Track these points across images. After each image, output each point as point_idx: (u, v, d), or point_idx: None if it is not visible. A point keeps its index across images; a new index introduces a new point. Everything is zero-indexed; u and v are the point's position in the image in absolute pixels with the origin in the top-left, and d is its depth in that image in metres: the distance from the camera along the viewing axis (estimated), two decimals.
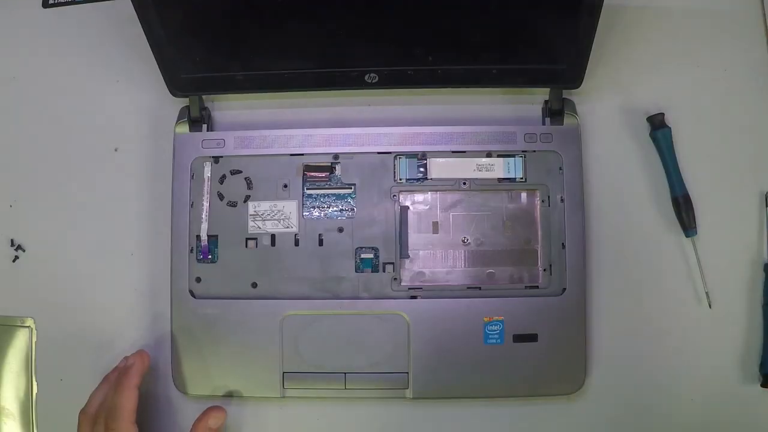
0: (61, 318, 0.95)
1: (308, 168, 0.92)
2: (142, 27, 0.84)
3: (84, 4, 1.02)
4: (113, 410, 0.82)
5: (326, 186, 0.91)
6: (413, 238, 0.90)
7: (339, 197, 0.91)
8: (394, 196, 0.91)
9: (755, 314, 0.90)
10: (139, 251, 0.94)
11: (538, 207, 0.90)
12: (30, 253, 0.97)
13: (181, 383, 0.89)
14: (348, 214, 0.91)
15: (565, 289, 0.88)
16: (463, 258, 0.90)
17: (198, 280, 0.90)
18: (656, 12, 0.96)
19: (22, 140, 0.99)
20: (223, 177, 0.91)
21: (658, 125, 0.92)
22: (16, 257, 0.96)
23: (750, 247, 0.91)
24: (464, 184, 0.90)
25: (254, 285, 0.90)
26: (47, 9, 1.02)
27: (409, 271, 0.90)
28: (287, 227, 0.90)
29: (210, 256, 0.90)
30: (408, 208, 0.91)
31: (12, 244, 0.97)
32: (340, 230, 0.91)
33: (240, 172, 0.91)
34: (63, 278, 0.96)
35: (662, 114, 0.92)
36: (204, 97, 0.94)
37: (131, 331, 0.93)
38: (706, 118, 0.94)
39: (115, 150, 0.97)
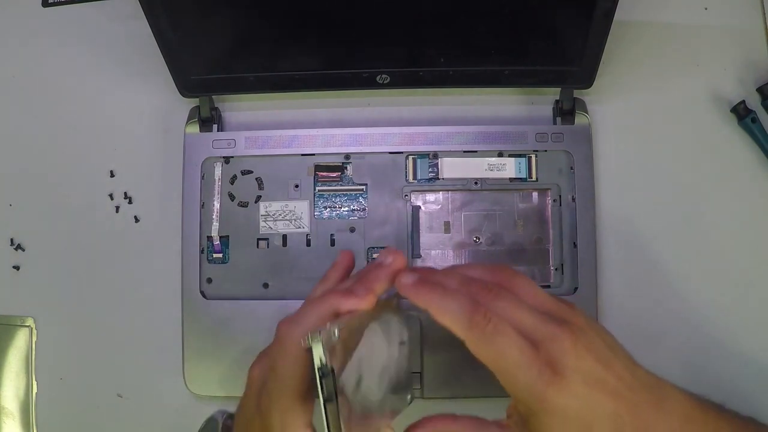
0: (61, 318, 0.94)
1: (319, 168, 0.91)
2: (152, 29, 0.83)
3: (84, 4, 1.01)
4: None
5: (338, 186, 0.91)
6: (425, 237, 0.90)
7: (350, 197, 0.91)
8: (406, 195, 0.91)
9: None
10: (145, 251, 0.94)
11: (550, 206, 0.90)
12: (30, 253, 0.96)
13: (193, 384, 0.89)
14: (360, 214, 0.91)
15: (576, 288, 0.89)
16: (474, 257, 0.91)
17: (209, 281, 0.90)
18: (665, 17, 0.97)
19: (22, 140, 0.98)
20: (234, 177, 0.91)
21: (743, 114, 0.93)
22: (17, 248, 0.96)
23: None
24: (476, 183, 0.90)
25: (266, 285, 0.89)
26: (47, 8, 1.01)
27: None
28: (299, 227, 0.90)
29: (221, 257, 0.90)
30: (420, 207, 0.91)
31: (12, 244, 0.96)
32: (352, 230, 0.91)
33: (251, 172, 0.91)
34: (63, 278, 0.95)
35: (743, 101, 0.93)
36: (214, 97, 0.93)
37: (134, 331, 0.93)
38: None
39: (114, 150, 0.97)
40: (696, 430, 0.66)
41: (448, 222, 0.91)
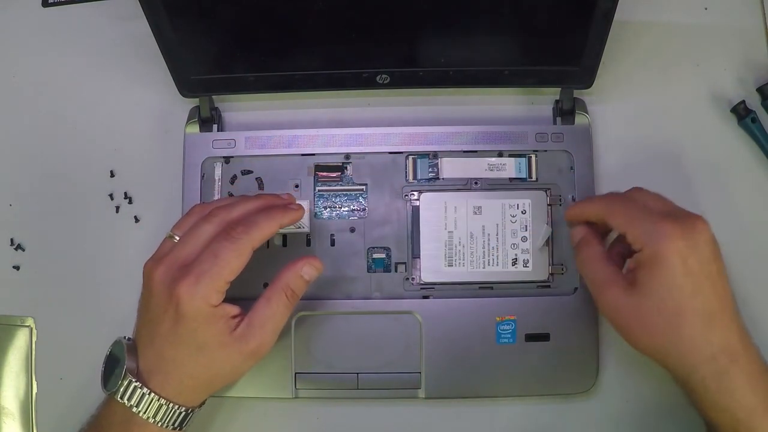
0: (61, 318, 0.94)
1: (319, 168, 0.92)
2: (152, 30, 0.83)
3: (84, 4, 1.01)
4: (249, 221, 0.79)
5: (338, 186, 0.91)
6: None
7: (350, 197, 0.91)
8: (406, 195, 0.91)
9: None
10: (145, 251, 0.93)
11: (554, 206, 0.90)
12: (30, 253, 0.96)
13: None
14: (360, 214, 0.91)
15: (576, 288, 0.89)
16: None
17: None
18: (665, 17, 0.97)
19: (22, 140, 0.98)
20: (234, 177, 0.91)
21: (743, 114, 0.93)
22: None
23: None
24: (476, 183, 0.90)
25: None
26: (47, 8, 1.01)
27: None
28: (299, 227, 0.89)
29: None
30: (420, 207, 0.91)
31: (12, 244, 0.96)
32: (352, 230, 0.91)
33: (251, 172, 0.91)
34: (63, 278, 0.95)
35: (743, 101, 0.93)
36: (214, 97, 0.93)
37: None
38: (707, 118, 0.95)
39: (114, 150, 0.97)
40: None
41: None
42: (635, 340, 0.77)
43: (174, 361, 0.77)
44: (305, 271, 0.81)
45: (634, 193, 0.81)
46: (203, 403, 0.82)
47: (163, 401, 0.76)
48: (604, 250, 0.82)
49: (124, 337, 0.81)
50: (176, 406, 0.77)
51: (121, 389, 0.76)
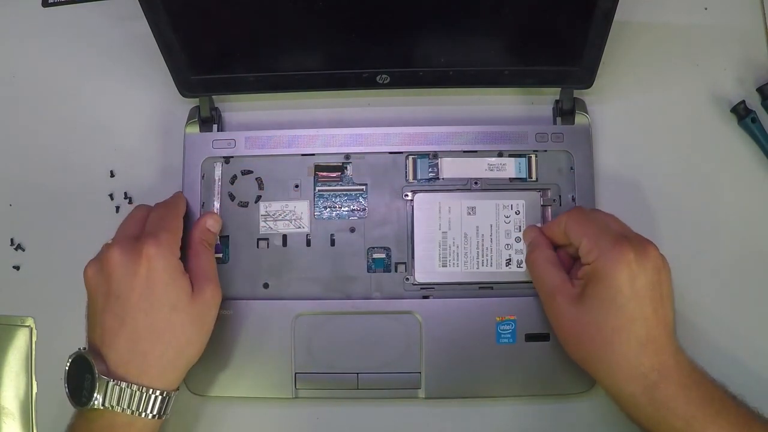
0: (61, 318, 0.94)
1: (319, 168, 0.91)
2: (152, 30, 0.83)
3: (84, 3, 1.01)
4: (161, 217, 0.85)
5: (338, 186, 0.91)
6: None
7: (350, 197, 0.91)
8: (406, 195, 0.91)
9: None
10: None
11: (550, 206, 0.90)
12: (30, 253, 0.96)
13: (193, 384, 0.88)
14: (360, 214, 0.91)
15: None
16: None
17: None
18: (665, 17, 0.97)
19: (22, 140, 0.98)
20: (234, 177, 0.91)
21: (743, 114, 0.92)
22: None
23: None
24: (476, 183, 0.90)
25: (266, 285, 0.89)
26: (47, 8, 1.01)
27: None
28: (299, 227, 0.90)
29: (221, 257, 0.90)
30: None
31: (12, 244, 0.96)
32: (352, 230, 0.90)
33: (251, 172, 0.91)
34: (63, 278, 0.94)
35: (743, 101, 0.92)
36: (214, 97, 0.93)
37: None
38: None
39: (114, 150, 0.97)
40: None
41: None
42: (571, 349, 0.80)
43: (150, 332, 0.78)
44: (210, 225, 0.88)
45: (594, 213, 0.84)
46: (178, 387, 0.82)
47: (144, 390, 0.77)
48: (554, 255, 0.84)
49: (79, 348, 0.80)
50: (158, 391, 0.78)
51: (101, 394, 0.76)
